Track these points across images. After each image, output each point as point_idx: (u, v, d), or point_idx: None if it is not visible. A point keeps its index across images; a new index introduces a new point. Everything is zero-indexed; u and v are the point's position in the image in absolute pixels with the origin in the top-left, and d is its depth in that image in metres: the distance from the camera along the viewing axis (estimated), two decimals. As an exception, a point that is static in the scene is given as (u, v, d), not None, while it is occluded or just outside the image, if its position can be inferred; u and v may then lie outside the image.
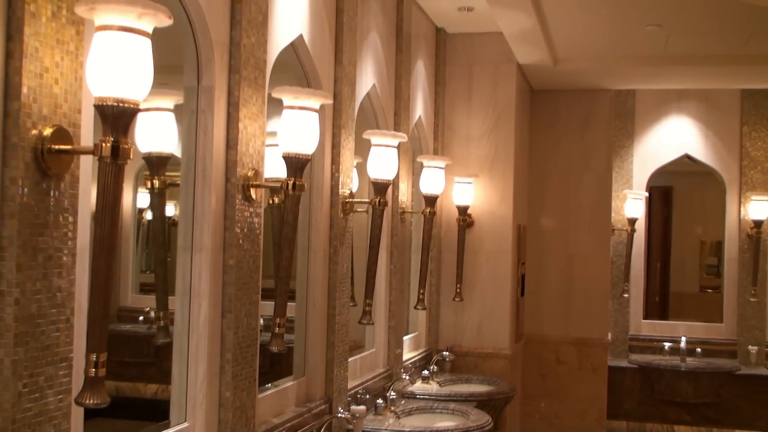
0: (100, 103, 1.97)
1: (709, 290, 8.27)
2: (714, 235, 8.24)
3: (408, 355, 5.75)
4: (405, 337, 5.66)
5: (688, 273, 8.38)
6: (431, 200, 5.33)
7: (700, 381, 7.06)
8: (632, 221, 7.52)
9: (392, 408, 4.69)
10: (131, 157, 2.00)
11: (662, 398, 7.18)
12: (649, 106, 7.77)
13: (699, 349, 7.45)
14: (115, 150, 1.97)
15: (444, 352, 6.13)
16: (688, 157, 7.75)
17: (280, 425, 3.50)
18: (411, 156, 5.57)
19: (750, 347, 7.37)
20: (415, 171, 5.62)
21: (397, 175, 4.84)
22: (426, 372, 5.70)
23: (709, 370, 7.08)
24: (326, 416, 3.92)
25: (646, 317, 7.81)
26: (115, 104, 1.96)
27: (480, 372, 6.27)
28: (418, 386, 5.50)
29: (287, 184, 3.01)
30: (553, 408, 7.22)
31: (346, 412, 3.97)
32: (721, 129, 7.64)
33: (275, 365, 3.83)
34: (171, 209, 3.02)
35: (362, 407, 4.11)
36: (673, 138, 7.73)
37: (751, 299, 7.41)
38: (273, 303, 3.07)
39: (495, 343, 6.36)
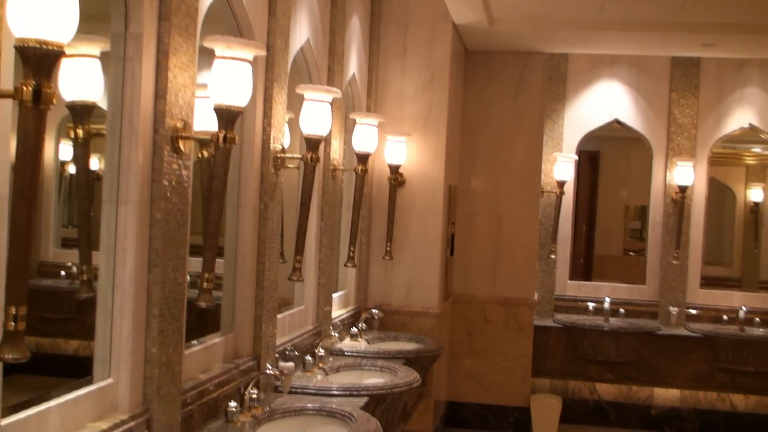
0: (21, 45, 1.87)
1: (632, 253, 8.44)
2: (638, 200, 8.40)
3: (337, 312, 5.74)
4: (334, 295, 5.65)
5: (612, 236, 8.53)
6: (363, 158, 5.30)
7: (622, 340, 7.22)
8: (561, 184, 7.60)
9: (321, 365, 4.68)
10: (54, 102, 1.91)
11: (585, 357, 7.34)
12: (582, 71, 7.83)
13: (622, 310, 7.62)
14: (37, 94, 1.88)
15: (373, 310, 6.14)
16: (617, 122, 7.85)
17: (207, 381, 3.46)
18: (344, 113, 5.52)
19: (671, 308, 7.56)
20: (348, 129, 5.57)
21: (330, 131, 4.78)
22: (355, 329, 5.71)
23: (631, 330, 7.25)
24: (254, 373, 3.89)
25: (572, 278, 7.94)
26: (38, 46, 1.87)
27: (408, 330, 6.31)
28: (347, 343, 5.50)
29: (218, 136, 2.94)
30: (479, 366, 7.32)
31: (275, 369, 3.94)
32: (651, 95, 7.75)
33: (202, 321, 3.78)
34: (95, 163, 2.92)
35: (291, 364, 4.09)
36: (603, 103, 7.81)
37: (674, 262, 7.59)
38: (201, 260, 3.01)
39: (424, 301, 6.40)
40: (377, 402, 4.28)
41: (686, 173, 7.47)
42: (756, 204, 8.41)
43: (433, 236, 6.42)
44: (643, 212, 8.30)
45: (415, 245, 6.42)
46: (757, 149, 8.32)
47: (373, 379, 4.66)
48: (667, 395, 7.63)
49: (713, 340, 7.23)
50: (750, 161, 8.46)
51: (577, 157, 7.78)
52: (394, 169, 6.17)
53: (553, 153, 7.70)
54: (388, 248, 6.21)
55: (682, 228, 7.55)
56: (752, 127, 7.68)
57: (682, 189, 7.48)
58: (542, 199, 7.59)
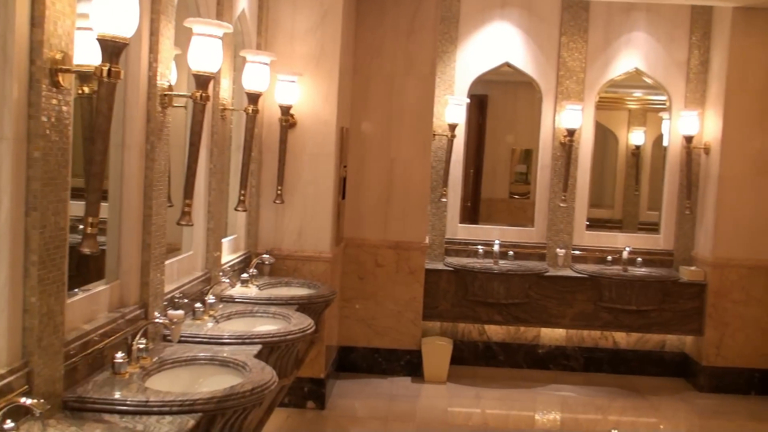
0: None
1: (517, 197, 8.53)
2: (524, 144, 8.47)
3: (227, 258, 5.57)
4: (224, 240, 5.47)
5: (498, 180, 8.59)
6: (254, 98, 5.10)
7: (511, 282, 7.31)
8: (453, 127, 7.57)
9: (211, 312, 4.53)
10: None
11: (476, 299, 7.39)
12: (473, 13, 7.76)
13: (511, 252, 7.70)
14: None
15: (264, 255, 5.99)
16: (508, 65, 7.84)
17: (92, 332, 3.27)
18: (233, 51, 5.28)
19: (558, 250, 7.69)
20: (237, 67, 5.34)
21: (219, 70, 4.56)
22: (245, 275, 5.56)
23: (520, 272, 7.33)
24: (141, 322, 3.71)
25: (462, 222, 7.97)
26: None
27: (300, 275, 6.20)
28: (238, 290, 5.35)
29: (101, 70, 2.71)
30: (370, 310, 7.29)
31: (163, 317, 3.77)
32: (541, 38, 7.76)
33: (86, 269, 3.56)
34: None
35: (180, 312, 3.92)
36: (495, 46, 7.78)
37: (561, 204, 7.71)
38: (84, 203, 2.80)
39: (315, 246, 6.29)
40: (270, 350, 4.17)
41: (575, 117, 7.55)
42: (637, 147, 8.61)
43: (325, 180, 6.29)
44: (528, 156, 8.38)
45: (306, 189, 6.28)
46: (638, 93, 8.47)
47: (266, 326, 4.53)
48: (553, 335, 7.81)
49: (598, 280, 7.40)
50: (632, 106, 8.62)
51: (468, 100, 7.75)
52: (285, 110, 5.99)
53: (444, 95, 7.64)
54: (279, 192, 6.06)
55: (569, 171, 7.65)
56: (638, 71, 7.80)
57: (571, 132, 7.57)
58: (434, 143, 7.55)
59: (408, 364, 7.35)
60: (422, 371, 7.30)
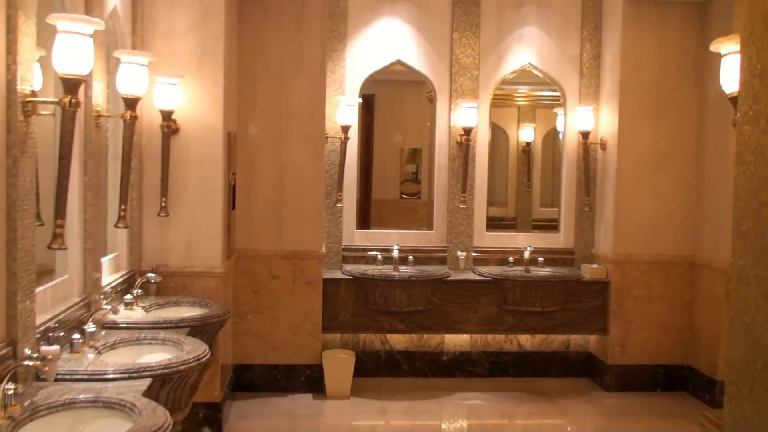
0: None
1: (408, 197, 8.29)
2: (412, 143, 8.25)
3: (108, 278, 5.07)
4: (104, 259, 4.97)
5: (388, 181, 8.32)
6: (131, 103, 4.64)
7: (413, 289, 7.01)
8: (345, 129, 7.24)
9: (92, 342, 4.05)
10: None
11: (377, 308, 7.06)
12: (362, 9, 7.44)
13: (411, 257, 7.42)
14: None
15: (149, 274, 5.51)
16: (400, 63, 7.56)
17: (-53, 382, 2.78)
18: (106, 52, 4.79)
19: (459, 253, 7.46)
20: (111, 70, 4.86)
21: (91, 72, 4.08)
22: (129, 297, 5.05)
23: (422, 278, 7.04)
24: (10, 362, 3.22)
25: (359, 227, 7.64)
26: None
27: (190, 293, 5.74)
28: (122, 314, 4.85)
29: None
30: (266, 325, 6.89)
31: (35, 355, 3.29)
32: (433, 35, 7.51)
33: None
34: None
35: (55, 347, 3.44)
36: (385, 43, 7.49)
37: (461, 206, 7.48)
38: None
39: (206, 260, 5.85)
40: (162, 383, 3.74)
41: (470, 115, 7.33)
42: (528, 144, 8.48)
43: (213, 188, 5.86)
44: (417, 155, 8.15)
45: (193, 199, 5.83)
46: (530, 90, 8.33)
47: (156, 355, 4.09)
48: (457, 340, 7.57)
49: (502, 282, 7.20)
50: (521, 102, 8.49)
51: (360, 100, 7.43)
52: (167, 115, 5.54)
53: (336, 96, 7.30)
54: (163, 204, 5.60)
55: (467, 171, 7.43)
56: (532, 66, 7.65)
57: (467, 131, 7.34)
58: (326, 145, 7.19)
59: (308, 379, 6.98)
60: (324, 387, 6.94)
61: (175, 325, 4.66)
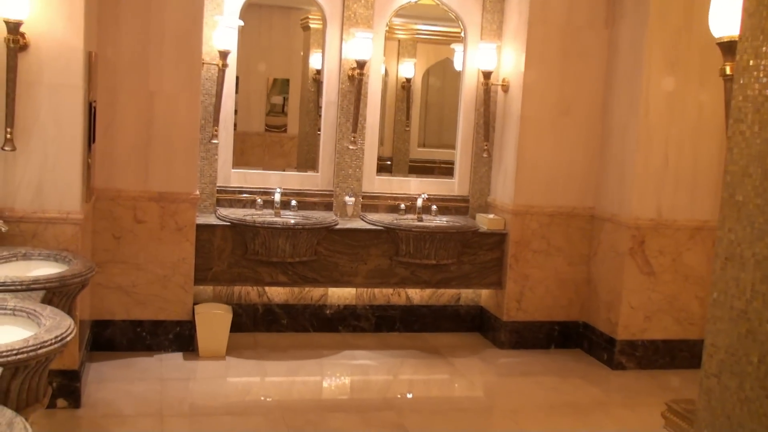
0: None
1: (274, 130, 7.55)
2: (280, 73, 7.49)
3: (-61, 227, 4.12)
4: (-66, 204, 4.02)
5: (253, 113, 7.55)
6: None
7: (298, 238, 6.29)
8: (224, 54, 6.38)
9: None
10: None
11: (257, 258, 6.31)
12: None
13: (294, 202, 6.68)
14: None
15: (-9, 220, 4.57)
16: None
17: None
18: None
19: (347, 198, 6.80)
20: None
21: None
22: (-33, 250, 4.14)
23: (309, 226, 6.32)
24: None
25: (236, 166, 6.82)
26: None
27: (42, 243, 4.84)
28: (-43, 272, 3.95)
29: None
30: (130, 276, 6.04)
31: None
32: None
33: None
34: None
35: None
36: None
37: (350, 147, 6.79)
38: None
39: (61, 204, 4.93)
40: (15, 372, 2.93)
41: (364, 46, 6.60)
42: (408, 80, 7.86)
43: (71, 119, 4.91)
44: (285, 86, 7.41)
45: (46, 130, 4.87)
46: (399, 21, 7.66)
47: (5, 335, 3.25)
48: (341, 293, 6.94)
49: (394, 233, 6.59)
50: (402, 35, 7.83)
51: (242, 23, 6.57)
52: (14, 27, 4.57)
53: (213, 16, 6.40)
54: (8, 136, 4.67)
55: (359, 109, 6.73)
56: (431, -3, 6.99)
57: (360, 65, 6.62)
58: (202, 73, 6.31)
59: (178, 337, 6.20)
60: (196, 343, 6.19)
61: (27, 287, 3.80)
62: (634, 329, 6.49)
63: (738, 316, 2.73)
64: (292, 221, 6.39)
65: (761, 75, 2.62)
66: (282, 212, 6.56)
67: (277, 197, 6.57)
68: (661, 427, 3.12)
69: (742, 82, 2.71)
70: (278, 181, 6.80)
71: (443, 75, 7.83)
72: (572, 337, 6.97)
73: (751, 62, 2.66)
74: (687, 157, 6.39)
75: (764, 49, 2.61)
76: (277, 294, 6.80)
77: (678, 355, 6.58)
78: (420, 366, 6.44)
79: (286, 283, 6.52)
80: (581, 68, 6.72)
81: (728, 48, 3.05)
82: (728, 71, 2.97)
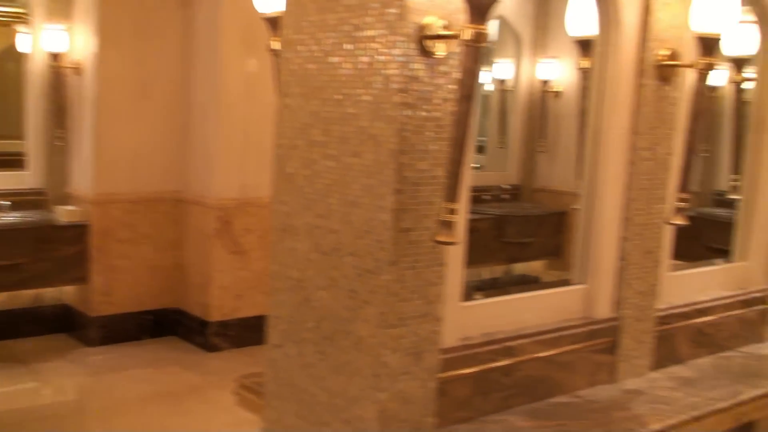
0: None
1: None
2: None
3: None
4: None
5: None
6: None
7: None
8: None
9: None
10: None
11: None
12: None
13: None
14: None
15: None
16: None
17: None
18: None
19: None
20: None
21: None
22: None
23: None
24: None
25: None
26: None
27: None
28: None
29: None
30: None
31: None
32: None
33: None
34: None
35: None
36: None
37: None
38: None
39: None
40: None
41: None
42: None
43: None
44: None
45: None
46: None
47: None
48: None
49: None
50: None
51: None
52: None
53: None
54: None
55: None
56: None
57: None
58: None
59: None
60: None
61: None
62: (226, 309, 6.54)
63: (295, 286, 2.81)
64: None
65: (302, 48, 2.69)
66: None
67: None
68: (234, 405, 3.12)
69: (287, 56, 2.77)
70: None
71: (7, 60, 7.19)
72: (167, 325, 6.82)
73: (294, 36, 2.72)
74: (266, 134, 6.52)
75: (304, 23, 2.68)
76: None
77: (270, 329, 6.74)
78: (1, 378, 5.89)
79: None
80: (158, 49, 6.55)
81: (273, 23, 3.11)
82: (274, 46, 3.02)
